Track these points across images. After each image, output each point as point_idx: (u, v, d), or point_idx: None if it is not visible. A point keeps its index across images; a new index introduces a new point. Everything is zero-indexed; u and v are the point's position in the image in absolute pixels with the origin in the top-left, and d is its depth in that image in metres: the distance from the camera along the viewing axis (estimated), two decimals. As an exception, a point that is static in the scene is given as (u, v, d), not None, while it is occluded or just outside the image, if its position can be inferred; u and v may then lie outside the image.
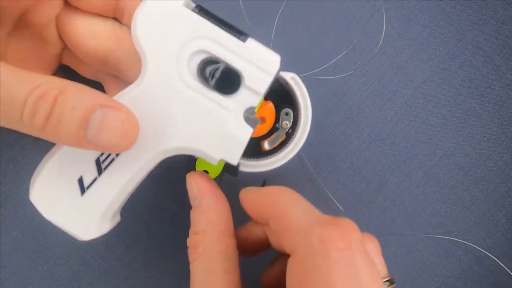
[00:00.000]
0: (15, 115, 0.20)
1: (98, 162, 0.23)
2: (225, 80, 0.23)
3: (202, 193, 0.25)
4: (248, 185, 0.25)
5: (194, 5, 0.23)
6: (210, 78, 0.23)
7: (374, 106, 0.35)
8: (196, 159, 0.33)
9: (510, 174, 0.36)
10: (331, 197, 0.35)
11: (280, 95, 0.26)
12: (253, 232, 0.26)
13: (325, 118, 0.35)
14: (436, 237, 0.36)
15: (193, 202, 0.25)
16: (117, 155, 0.23)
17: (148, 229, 0.34)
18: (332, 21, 0.34)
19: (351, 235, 0.20)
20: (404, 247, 0.36)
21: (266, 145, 0.26)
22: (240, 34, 0.23)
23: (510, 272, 0.36)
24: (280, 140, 0.26)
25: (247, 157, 0.25)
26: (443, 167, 0.36)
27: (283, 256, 0.27)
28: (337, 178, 0.35)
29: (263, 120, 0.25)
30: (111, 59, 0.26)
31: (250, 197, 0.24)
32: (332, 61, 0.34)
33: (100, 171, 0.24)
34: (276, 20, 0.34)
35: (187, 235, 0.30)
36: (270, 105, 0.26)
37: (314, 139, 0.35)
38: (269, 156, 0.26)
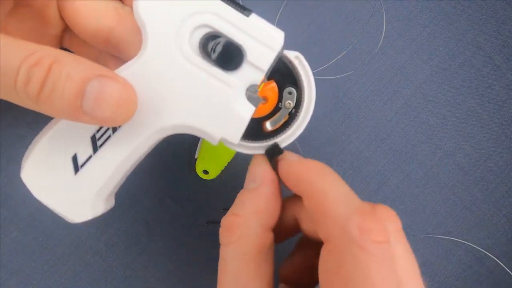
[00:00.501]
0: (9, 83, 0.19)
1: (93, 139, 0.23)
2: (227, 55, 0.22)
3: (265, 179, 0.23)
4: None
5: None
6: (212, 53, 0.22)
7: (374, 106, 0.35)
8: (196, 159, 0.33)
9: (510, 174, 0.36)
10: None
11: (283, 75, 0.24)
12: (284, 214, 0.25)
13: (325, 118, 0.35)
14: (436, 237, 0.36)
15: (249, 183, 0.24)
16: (113, 132, 0.23)
17: (148, 229, 0.34)
18: (332, 21, 0.34)
19: (390, 225, 0.20)
20: (404, 247, 0.36)
21: (268, 126, 0.25)
22: (243, 9, 0.22)
23: (510, 272, 0.36)
24: (283, 121, 0.25)
25: (249, 139, 0.24)
26: (443, 167, 0.36)
27: (304, 247, 0.26)
28: (337, 178, 0.35)
29: (265, 99, 0.24)
30: (113, 38, 0.25)
31: (289, 164, 0.23)
32: (332, 61, 0.34)
33: (95, 148, 0.23)
34: (276, 20, 0.34)
35: (187, 235, 0.30)
36: (273, 84, 0.24)
37: (314, 139, 0.35)
38: (271, 138, 0.25)
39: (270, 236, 0.23)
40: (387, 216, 0.21)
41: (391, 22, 0.35)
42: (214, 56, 0.22)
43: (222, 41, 0.22)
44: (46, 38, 0.27)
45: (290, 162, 0.23)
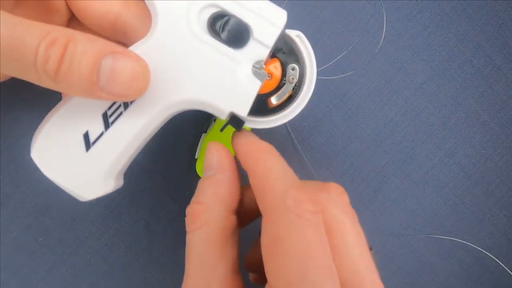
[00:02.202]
0: (28, 63, 0.20)
1: (105, 116, 0.23)
2: (235, 32, 0.23)
3: (220, 166, 0.24)
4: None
5: None
6: (220, 31, 0.23)
7: (374, 106, 0.35)
8: (196, 159, 0.33)
9: (511, 174, 0.36)
10: (331, 197, 0.35)
11: (286, 53, 0.26)
12: (245, 197, 0.26)
13: (325, 118, 0.35)
14: (436, 237, 0.36)
15: (207, 171, 0.25)
16: (125, 108, 0.23)
17: (148, 229, 0.34)
18: (332, 21, 0.34)
19: (338, 198, 0.23)
20: (404, 247, 0.36)
21: (274, 100, 0.26)
22: None
23: (510, 272, 0.36)
24: (288, 95, 0.26)
25: (253, 114, 0.26)
26: (443, 167, 0.36)
27: None
28: (337, 178, 0.35)
29: (270, 76, 0.26)
30: (119, 23, 0.26)
31: (241, 143, 0.25)
32: (332, 61, 0.34)
33: (107, 125, 0.23)
34: (276, 20, 0.34)
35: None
36: (277, 63, 0.26)
37: (314, 139, 0.35)
38: (276, 113, 0.26)
39: (233, 219, 0.24)
40: (336, 191, 0.23)
41: (391, 22, 0.35)
42: (223, 35, 0.23)
43: (230, 20, 0.23)
44: None
45: (243, 141, 0.25)
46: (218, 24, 0.23)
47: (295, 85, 0.27)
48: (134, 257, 0.34)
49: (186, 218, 0.23)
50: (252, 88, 0.24)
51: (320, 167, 0.35)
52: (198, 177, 0.33)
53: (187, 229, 0.23)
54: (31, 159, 0.23)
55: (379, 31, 0.34)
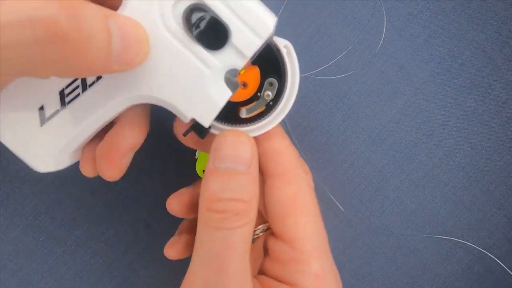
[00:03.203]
0: (102, 50, 0.18)
1: (62, 94, 0.22)
2: (211, 33, 0.21)
3: (255, 161, 0.23)
4: None
5: None
6: (194, 28, 0.21)
7: (374, 106, 0.35)
8: (196, 159, 0.33)
9: (510, 174, 0.36)
10: (331, 197, 0.35)
11: (268, 62, 0.23)
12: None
13: (325, 118, 0.35)
14: (436, 237, 0.36)
15: (238, 165, 0.22)
16: (83, 91, 0.22)
17: (148, 229, 0.34)
18: (332, 21, 0.34)
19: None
20: (404, 247, 0.36)
21: (243, 113, 0.24)
22: None
23: (510, 272, 0.36)
24: (259, 111, 0.23)
25: (221, 121, 0.23)
26: (443, 167, 0.36)
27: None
28: (337, 178, 0.35)
29: (245, 85, 0.23)
30: None
31: (267, 138, 0.25)
32: (332, 61, 0.34)
33: (63, 103, 0.22)
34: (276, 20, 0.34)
35: (187, 235, 0.30)
36: (256, 70, 0.23)
37: (314, 139, 0.35)
38: (243, 125, 0.23)
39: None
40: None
41: (391, 22, 0.35)
42: (195, 32, 0.21)
43: (206, 16, 0.21)
44: None
45: (267, 137, 0.25)
46: (194, 19, 0.21)
47: (269, 102, 0.23)
48: (134, 257, 0.34)
49: (221, 215, 0.22)
50: (220, 97, 0.22)
51: (320, 167, 0.35)
52: (198, 177, 0.33)
53: (227, 225, 0.22)
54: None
55: (379, 31, 0.34)
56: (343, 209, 0.35)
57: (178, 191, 0.28)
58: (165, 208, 0.34)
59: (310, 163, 0.34)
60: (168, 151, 0.34)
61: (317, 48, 0.34)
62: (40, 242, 0.33)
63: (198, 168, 0.33)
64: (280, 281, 0.23)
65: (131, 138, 0.24)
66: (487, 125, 0.35)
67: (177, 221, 0.34)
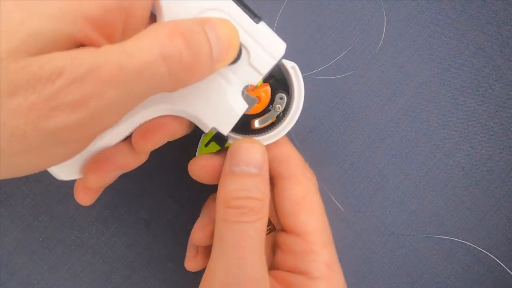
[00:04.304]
0: (207, 59, 0.21)
1: None
2: None
3: (266, 165, 0.26)
4: None
5: None
6: None
7: (374, 106, 0.35)
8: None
9: (511, 174, 0.36)
10: (331, 197, 0.35)
11: (278, 80, 0.28)
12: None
13: (325, 118, 0.35)
14: (436, 237, 0.36)
15: (251, 168, 0.25)
16: None
17: (148, 229, 0.34)
18: (332, 21, 0.34)
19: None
20: (404, 247, 0.36)
21: (257, 123, 0.28)
22: (254, 16, 0.24)
23: (511, 272, 0.36)
24: (270, 121, 0.28)
25: (236, 132, 0.27)
26: (443, 167, 0.36)
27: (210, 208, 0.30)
28: (337, 178, 0.35)
29: (258, 99, 0.27)
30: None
31: (275, 146, 0.28)
32: (332, 61, 0.34)
33: None
34: (276, 20, 0.34)
35: (187, 235, 0.30)
36: (267, 88, 0.28)
37: (314, 139, 0.35)
38: (255, 135, 0.28)
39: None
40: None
41: (391, 22, 0.35)
42: None
43: None
44: None
45: (277, 145, 0.28)
46: None
47: (280, 114, 0.28)
48: (134, 257, 0.34)
49: (241, 210, 0.24)
50: (239, 109, 0.25)
51: (320, 167, 0.35)
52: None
53: (245, 219, 0.24)
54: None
55: (379, 31, 0.34)
56: (342, 209, 0.35)
57: (199, 156, 0.29)
58: (165, 208, 0.34)
59: (310, 163, 0.34)
60: (168, 151, 0.34)
61: (317, 48, 0.34)
62: (40, 242, 0.33)
63: (198, 168, 0.33)
64: (293, 272, 0.26)
65: (128, 159, 0.25)
66: (487, 125, 0.35)
67: (176, 221, 0.34)
